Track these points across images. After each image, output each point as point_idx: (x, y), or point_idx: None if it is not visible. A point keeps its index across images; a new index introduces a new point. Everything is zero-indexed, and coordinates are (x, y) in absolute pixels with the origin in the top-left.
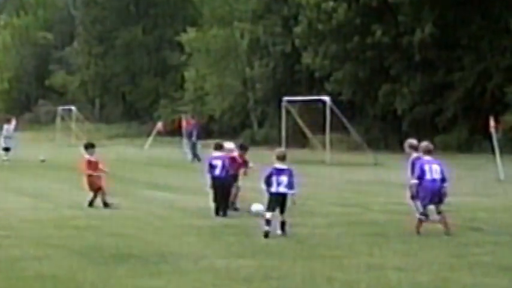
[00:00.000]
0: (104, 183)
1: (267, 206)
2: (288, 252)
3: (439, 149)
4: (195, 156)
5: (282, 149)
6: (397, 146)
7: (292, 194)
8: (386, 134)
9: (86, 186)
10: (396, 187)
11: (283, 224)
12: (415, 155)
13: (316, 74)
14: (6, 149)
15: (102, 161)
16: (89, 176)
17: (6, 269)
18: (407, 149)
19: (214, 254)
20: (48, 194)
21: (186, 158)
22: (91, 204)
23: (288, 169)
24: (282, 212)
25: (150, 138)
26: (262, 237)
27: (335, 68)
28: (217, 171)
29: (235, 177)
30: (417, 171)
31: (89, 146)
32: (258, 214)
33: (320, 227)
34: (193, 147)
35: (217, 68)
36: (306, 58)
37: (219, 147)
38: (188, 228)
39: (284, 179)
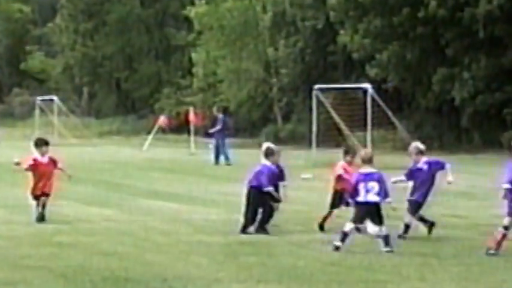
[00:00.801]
0: (52, 189)
1: (353, 218)
2: (319, 275)
3: (506, 148)
4: (220, 156)
5: (368, 150)
6: (455, 145)
7: (389, 203)
8: (441, 131)
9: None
10: (454, 196)
11: (386, 238)
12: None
13: (355, 56)
14: None
15: (59, 160)
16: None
17: None
18: (413, 155)
19: (229, 278)
20: (25, 205)
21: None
22: (41, 218)
23: (376, 173)
24: (380, 223)
25: (151, 136)
26: (289, 258)
27: (378, 49)
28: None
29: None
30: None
31: (40, 143)
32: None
33: (358, 244)
34: (223, 146)
35: (232, 49)
36: (343, 36)
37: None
38: (197, 246)
39: (374, 185)
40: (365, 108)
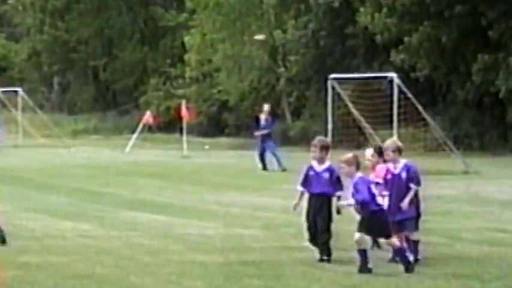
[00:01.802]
0: None
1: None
2: None
3: None
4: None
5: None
6: (499, 145)
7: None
8: (482, 128)
9: None
10: (497, 206)
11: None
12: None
13: (378, 40)
14: None
15: None
16: None
17: None
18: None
19: None
20: None
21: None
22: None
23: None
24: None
25: (135, 136)
26: (301, 280)
27: (406, 30)
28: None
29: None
30: None
31: None
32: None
33: (384, 265)
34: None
35: (232, 32)
36: (363, 15)
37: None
38: (190, 266)
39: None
40: (391, 102)
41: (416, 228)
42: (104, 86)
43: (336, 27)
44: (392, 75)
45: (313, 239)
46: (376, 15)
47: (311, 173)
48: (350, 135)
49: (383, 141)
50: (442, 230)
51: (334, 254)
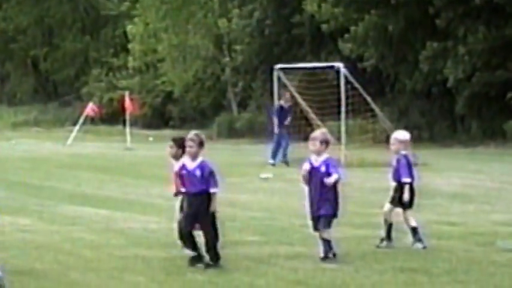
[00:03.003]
0: None
1: None
2: None
3: (510, 140)
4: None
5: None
6: (449, 136)
7: None
8: (431, 118)
9: None
10: (446, 198)
11: None
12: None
13: (325, 29)
14: None
15: None
16: None
17: None
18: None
19: None
20: None
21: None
22: None
23: None
24: None
25: (77, 128)
26: (245, 275)
27: (353, 19)
28: None
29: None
30: None
31: None
32: None
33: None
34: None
35: (176, 21)
36: (310, 4)
37: None
38: (133, 261)
39: None
40: (338, 92)
41: (329, 226)
42: (45, 77)
43: (281, 16)
44: (339, 65)
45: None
46: (323, 4)
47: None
48: (297, 127)
49: (331, 132)
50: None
51: (282, 249)
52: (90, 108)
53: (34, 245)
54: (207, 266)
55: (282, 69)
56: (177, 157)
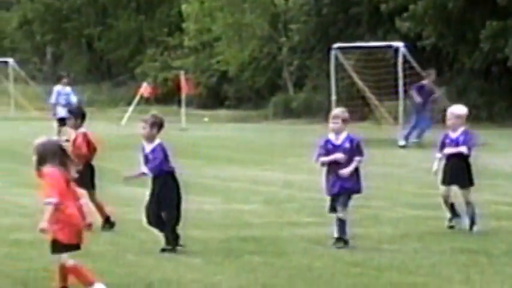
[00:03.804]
0: None
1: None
2: (341, 279)
3: None
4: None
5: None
6: (508, 116)
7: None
8: (490, 98)
9: None
10: (505, 178)
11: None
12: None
13: (383, 8)
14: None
15: None
16: None
17: None
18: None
19: (228, 282)
20: None
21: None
22: None
23: None
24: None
25: (131, 108)
26: (303, 257)
27: None
28: None
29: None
30: None
31: None
32: None
33: (389, 240)
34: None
35: None
36: None
37: None
38: (188, 242)
39: None
40: (396, 72)
41: (347, 205)
42: (99, 57)
43: None
44: (398, 44)
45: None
46: None
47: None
48: (354, 107)
49: (389, 112)
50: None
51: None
52: (145, 88)
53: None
54: (163, 250)
55: (339, 48)
56: (75, 127)
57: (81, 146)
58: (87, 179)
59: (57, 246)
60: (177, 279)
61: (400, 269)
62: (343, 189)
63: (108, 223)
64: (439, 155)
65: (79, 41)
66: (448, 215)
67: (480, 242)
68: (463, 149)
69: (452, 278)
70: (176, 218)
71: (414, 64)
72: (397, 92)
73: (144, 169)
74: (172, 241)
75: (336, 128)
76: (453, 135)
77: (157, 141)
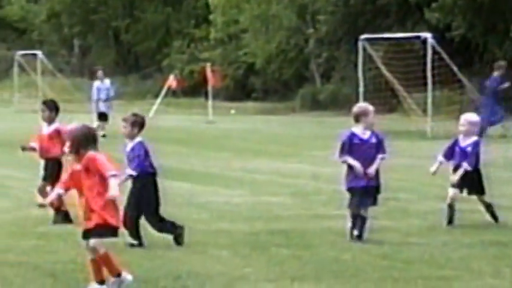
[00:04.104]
0: None
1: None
2: (369, 271)
3: None
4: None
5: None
6: None
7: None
8: None
9: None
10: None
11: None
12: None
13: None
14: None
15: None
16: None
17: None
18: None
19: (256, 275)
20: (2, 186)
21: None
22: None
23: None
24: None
25: (158, 100)
26: (330, 250)
27: None
28: None
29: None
30: None
31: None
32: None
33: (417, 233)
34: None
35: None
36: None
37: None
38: (216, 235)
39: None
40: (424, 63)
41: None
42: (126, 49)
43: None
44: (426, 35)
45: None
46: None
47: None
48: (382, 99)
49: (417, 104)
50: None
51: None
52: (172, 81)
53: None
54: (132, 245)
55: (367, 39)
56: (49, 120)
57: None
58: (54, 173)
59: (104, 230)
60: (205, 272)
61: (429, 262)
62: (369, 185)
63: (67, 219)
64: (441, 158)
65: (106, 33)
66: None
67: (510, 235)
68: (465, 166)
69: (482, 271)
70: (155, 223)
71: (443, 55)
72: (425, 84)
73: (129, 171)
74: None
75: (370, 122)
76: (463, 143)
77: (137, 139)
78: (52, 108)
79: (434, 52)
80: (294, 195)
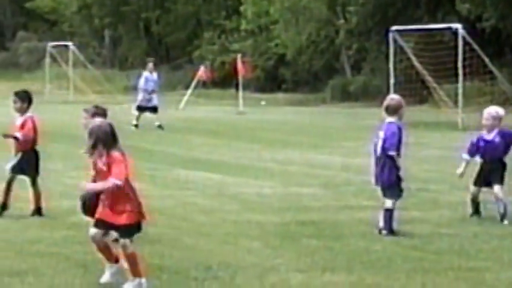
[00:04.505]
0: None
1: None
2: (400, 262)
3: None
4: None
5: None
6: None
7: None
8: None
9: None
10: None
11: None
12: None
13: None
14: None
15: None
16: None
17: None
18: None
19: (287, 266)
20: None
21: None
22: None
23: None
24: None
25: (189, 92)
26: (361, 241)
27: None
28: None
29: None
30: None
31: None
32: None
33: (448, 224)
34: None
35: None
36: None
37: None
38: (247, 226)
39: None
40: (455, 54)
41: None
42: (157, 40)
43: None
44: (457, 26)
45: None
46: None
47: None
48: (413, 90)
49: (448, 95)
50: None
51: (397, 213)
52: (202, 72)
53: (147, 209)
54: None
55: (397, 31)
56: (21, 111)
57: (31, 130)
58: (32, 164)
59: (130, 230)
60: (236, 263)
61: (460, 253)
62: None
63: (39, 214)
64: (466, 156)
65: (137, 24)
66: (470, 210)
67: None
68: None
69: None
70: None
71: (474, 46)
72: (456, 75)
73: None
74: None
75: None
76: (488, 136)
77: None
78: (24, 99)
79: (465, 43)
80: (324, 186)
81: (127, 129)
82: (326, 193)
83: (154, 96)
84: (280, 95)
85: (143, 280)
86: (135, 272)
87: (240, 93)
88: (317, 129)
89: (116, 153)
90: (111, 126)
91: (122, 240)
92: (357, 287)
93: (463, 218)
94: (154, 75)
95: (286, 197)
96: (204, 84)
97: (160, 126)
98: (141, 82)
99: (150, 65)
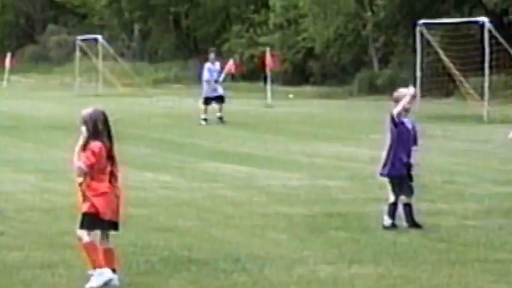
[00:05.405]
0: None
1: None
2: (426, 254)
3: None
4: None
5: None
6: None
7: None
8: None
9: None
10: None
11: None
12: None
13: None
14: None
15: None
16: None
17: (0, 283)
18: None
19: (314, 258)
20: (63, 170)
21: None
22: None
23: None
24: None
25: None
26: (388, 233)
27: None
28: None
29: None
30: None
31: None
32: None
33: (474, 216)
34: None
35: None
36: None
37: None
38: (275, 218)
39: None
40: (482, 48)
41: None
42: (186, 33)
43: None
44: (484, 19)
45: None
46: None
47: None
48: (439, 83)
49: (474, 88)
50: None
51: (424, 206)
52: (231, 65)
53: (176, 201)
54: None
55: (424, 24)
56: None
57: None
58: None
59: (89, 220)
60: (264, 255)
61: (486, 245)
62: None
63: None
64: None
65: (166, 18)
66: None
67: None
68: None
69: None
70: None
71: (500, 40)
72: (482, 68)
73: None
74: None
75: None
76: None
77: None
78: None
79: (492, 36)
80: (351, 179)
81: (157, 122)
82: (353, 185)
83: (219, 86)
84: (307, 88)
85: (100, 271)
86: (92, 264)
87: (268, 86)
88: (344, 122)
89: (94, 143)
90: (103, 114)
91: (78, 230)
92: (384, 279)
93: (489, 210)
94: (217, 65)
95: (313, 190)
96: (232, 77)
97: (221, 119)
98: (205, 74)
99: (212, 55)
